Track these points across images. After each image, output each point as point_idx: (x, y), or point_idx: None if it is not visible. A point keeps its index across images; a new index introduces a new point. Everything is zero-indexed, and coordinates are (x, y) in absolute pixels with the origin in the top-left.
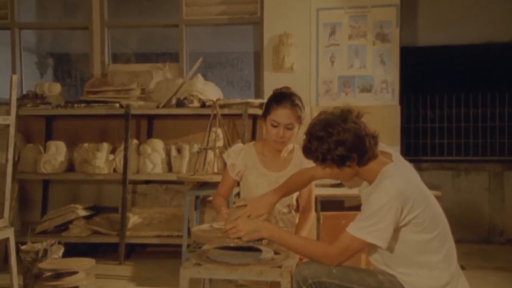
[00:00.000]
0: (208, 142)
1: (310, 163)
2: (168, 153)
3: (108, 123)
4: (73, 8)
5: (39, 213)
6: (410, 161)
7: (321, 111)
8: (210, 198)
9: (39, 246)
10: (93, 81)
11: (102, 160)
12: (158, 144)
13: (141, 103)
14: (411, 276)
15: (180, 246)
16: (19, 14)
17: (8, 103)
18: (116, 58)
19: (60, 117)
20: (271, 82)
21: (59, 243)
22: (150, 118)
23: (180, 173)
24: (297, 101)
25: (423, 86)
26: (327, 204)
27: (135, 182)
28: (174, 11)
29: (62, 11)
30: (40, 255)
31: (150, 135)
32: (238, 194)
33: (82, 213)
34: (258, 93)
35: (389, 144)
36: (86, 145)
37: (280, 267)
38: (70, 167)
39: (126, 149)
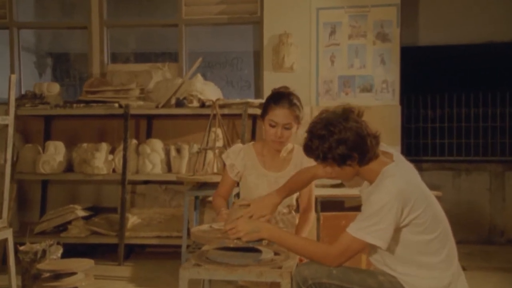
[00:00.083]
0: (207, 142)
1: (310, 163)
2: (167, 153)
3: (107, 123)
4: (72, 8)
5: (38, 214)
6: (411, 161)
7: (322, 109)
8: (210, 199)
9: (38, 247)
10: (92, 81)
11: (101, 160)
12: (157, 144)
13: (140, 103)
14: (412, 276)
15: (179, 246)
16: (18, 14)
17: (6, 103)
18: (115, 58)
19: (59, 117)
20: (271, 82)
21: (58, 243)
22: (150, 118)
23: (179, 173)
24: (295, 101)
25: (423, 86)
26: (327, 205)
27: (134, 183)
28: (174, 11)
29: (61, 10)
30: (38, 255)
31: (149, 135)
32: (237, 195)
33: (81, 213)
34: (258, 93)
35: (389, 144)
36: (85, 145)
37: (280, 268)
38: (69, 167)
39: (125, 149)
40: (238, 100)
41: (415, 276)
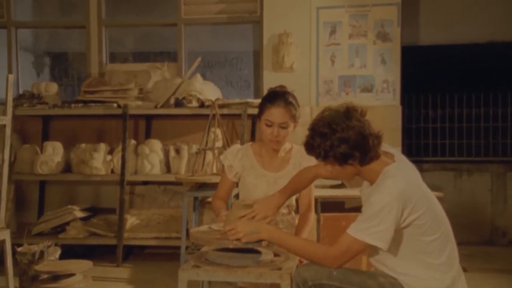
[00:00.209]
0: (207, 143)
1: (309, 163)
2: (166, 153)
3: (105, 123)
4: (70, 7)
5: (36, 215)
6: (412, 162)
7: (325, 107)
8: (209, 199)
9: (36, 248)
10: (91, 80)
11: (100, 160)
12: (156, 144)
13: (139, 103)
14: (412, 278)
15: (178, 248)
16: (16, 13)
17: (4, 103)
18: (113, 58)
19: (57, 117)
20: (271, 82)
21: (56, 245)
22: (148, 118)
23: (178, 174)
24: (290, 100)
25: (424, 86)
26: (328, 206)
27: (133, 183)
28: (173, 10)
29: (59, 9)
30: (36, 257)
31: (148, 135)
32: (237, 196)
33: (79, 214)
34: (258, 93)
35: (390, 145)
36: (83, 145)
37: (279, 269)
38: (67, 167)
39: (123, 150)
40: (237, 100)
41: (415, 277)
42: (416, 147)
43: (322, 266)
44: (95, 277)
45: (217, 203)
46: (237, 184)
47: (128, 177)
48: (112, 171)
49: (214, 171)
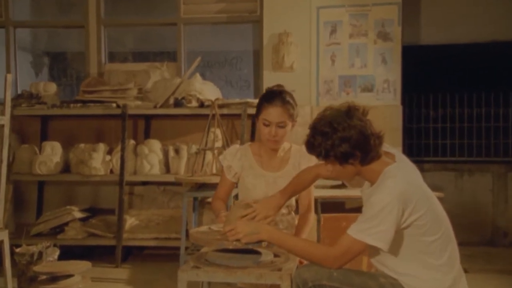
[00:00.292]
0: (206, 143)
1: (308, 163)
2: (165, 154)
3: (104, 123)
4: (68, 6)
5: (34, 215)
6: (412, 162)
7: (327, 106)
8: (209, 200)
9: (34, 249)
10: (89, 80)
11: (99, 161)
12: (155, 144)
13: (138, 103)
14: (413, 279)
15: (178, 248)
16: (14, 12)
17: (2, 103)
18: (112, 57)
19: (55, 117)
20: (271, 82)
21: (55, 245)
22: (148, 118)
23: (178, 174)
24: (288, 99)
25: (425, 86)
26: (328, 206)
27: (132, 184)
28: (172, 9)
29: (58, 9)
30: (35, 258)
31: (147, 135)
32: (236, 196)
33: (78, 215)
34: (258, 93)
35: (390, 145)
36: (82, 145)
37: (279, 270)
38: (66, 168)
39: (123, 150)
40: (237, 100)
41: (416, 278)
42: (417, 147)
43: (322, 267)
44: (94, 278)
45: (217, 204)
46: (236, 185)
47: (127, 177)
48: (111, 171)
49: (214, 171)
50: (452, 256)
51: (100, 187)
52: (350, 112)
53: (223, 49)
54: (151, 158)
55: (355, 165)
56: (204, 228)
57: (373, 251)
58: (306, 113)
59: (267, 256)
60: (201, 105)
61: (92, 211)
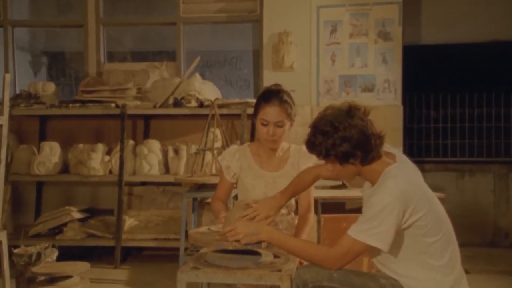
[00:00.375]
0: (206, 143)
1: (307, 162)
2: (165, 154)
3: (103, 124)
4: (67, 6)
5: (33, 216)
6: (413, 162)
7: (328, 106)
8: (208, 200)
9: (33, 250)
10: (88, 80)
11: (98, 161)
12: (155, 145)
13: (138, 103)
14: (414, 280)
15: (177, 249)
16: (12, 12)
17: (0, 103)
18: (111, 57)
19: (54, 117)
20: (271, 81)
21: (53, 246)
22: (147, 118)
23: (177, 174)
24: (285, 98)
25: (426, 86)
26: (328, 206)
27: (131, 184)
28: (172, 9)
29: (57, 8)
30: (33, 258)
31: (146, 135)
32: (236, 197)
33: (77, 215)
34: (258, 93)
35: (391, 145)
36: (81, 146)
37: (279, 270)
38: (65, 168)
39: (122, 150)
40: (237, 100)
41: (416, 279)
42: (417, 148)
43: (323, 268)
44: (93, 279)
45: (216, 205)
46: (235, 185)
47: (126, 177)
48: (110, 172)
49: (213, 171)
50: (453, 257)
51: (99, 187)
52: (351, 111)
53: (223, 48)
54: (150, 158)
55: (356, 165)
56: (203, 228)
57: (374, 251)
58: (306, 113)
59: (267, 257)
60: (201, 105)
61: (91, 212)
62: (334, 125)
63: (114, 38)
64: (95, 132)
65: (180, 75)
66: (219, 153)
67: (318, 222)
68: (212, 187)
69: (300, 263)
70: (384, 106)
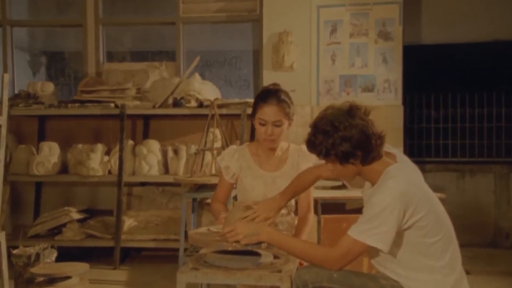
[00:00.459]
0: (205, 143)
1: (306, 162)
2: (164, 154)
3: (102, 124)
4: (66, 5)
5: (32, 216)
6: (414, 162)
7: (328, 105)
8: (208, 201)
9: (31, 250)
10: (87, 80)
11: (97, 161)
12: (154, 145)
13: (137, 103)
14: (414, 281)
15: (177, 250)
16: (11, 11)
17: None
18: (111, 57)
19: (53, 117)
20: (271, 81)
21: (52, 247)
22: (146, 118)
23: (177, 175)
24: (283, 97)
25: (426, 85)
26: (328, 207)
27: (130, 184)
28: (171, 9)
29: (55, 8)
30: (32, 259)
31: (146, 135)
32: (235, 198)
33: (76, 216)
34: (257, 93)
35: (391, 145)
36: (80, 146)
37: (279, 271)
38: (64, 168)
39: (121, 150)
40: (237, 100)
41: (417, 280)
42: (418, 148)
43: (323, 268)
44: (92, 280)
45: (216, 206)
46: (235, 186)
47: (126, 178)
48: (110, 172)
49: (213, 172)
50: (454, 257)
51: (98, 188)
52: (351, 111)
53: (223, 48)
54: (149, 158)
55: (356, 164)
56: (203, 229)
57: (374, 252)
58: (306, 113)
59: (266, 257)
60: (200, 105)
61: (90, 212)
62: (334, 125)
63: (114, 38)
64: (94, 132)
65: (179, 75)
66: (219, 153)
67: (318, 222)
68: (212, 187)
69: (300, 264)
70: (384, 106)
